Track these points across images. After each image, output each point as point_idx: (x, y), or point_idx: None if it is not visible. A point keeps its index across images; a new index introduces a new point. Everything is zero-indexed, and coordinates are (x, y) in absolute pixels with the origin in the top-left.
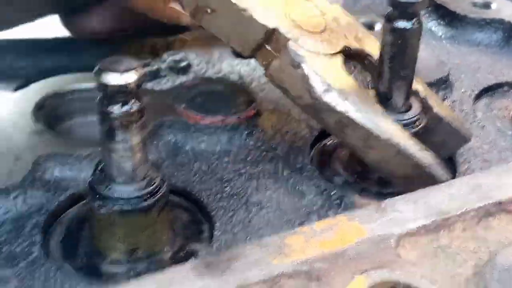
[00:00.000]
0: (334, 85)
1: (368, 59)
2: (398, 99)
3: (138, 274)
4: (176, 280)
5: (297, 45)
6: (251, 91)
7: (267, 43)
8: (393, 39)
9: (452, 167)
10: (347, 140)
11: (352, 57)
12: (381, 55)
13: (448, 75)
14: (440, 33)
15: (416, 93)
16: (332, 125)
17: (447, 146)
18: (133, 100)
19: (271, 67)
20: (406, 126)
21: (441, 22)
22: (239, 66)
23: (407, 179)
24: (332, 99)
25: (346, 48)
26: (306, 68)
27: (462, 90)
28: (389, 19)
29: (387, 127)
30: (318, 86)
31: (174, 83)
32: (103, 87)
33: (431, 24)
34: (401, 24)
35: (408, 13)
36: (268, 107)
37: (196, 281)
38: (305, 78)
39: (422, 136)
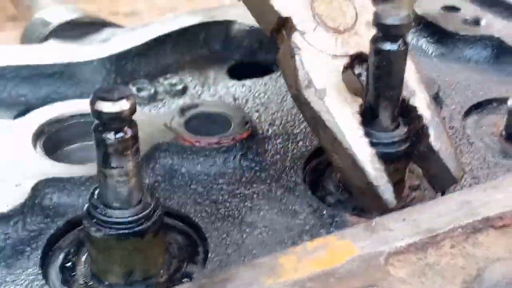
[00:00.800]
0: (317, 83)
1: None
2: (384, 118)
3: None
4: None
5: (300, 37)
6: (246, 112)
7: (283, 28)
8: (378, 61)
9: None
10: (319, 138)
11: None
12: (367, 75)
13: (437, 92)
14: (430, 51)
15: (418, 117)
16: (308, 119)
17: (436, 179)
18: (127, 127)
19: (280, 52)
20: (388, 144)
21: (431, 40)
22: (234, 88)
23: (361, 192)
24: (310, 95)
25: (362, 54)
26: (298, 60)
27: (452, 107)
28: (374, 40)
29: (352, 137)
30: (302, 80)
31: (170, 106)
32: (98, 114)
33: (421, 42)
34: (386, 46)
35: (393, 35)
36: (263, 127)
37: None
38: (294, 70)
39: (411, 159)
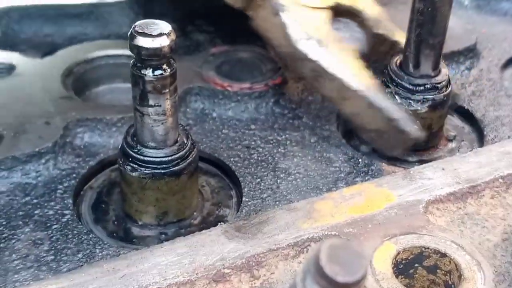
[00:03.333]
0: (312, 35)
1: (360, 16)
2: (425, 65)
3: (168, 238)
4: (208, 242)
5: None
6: (278, 58)
7: None
8: (422, 7)
9: (479, 136)
10: (323, 91)
11: (344, 14)
12: (410, 22)
13: (475, 43)
14: (466, 2)
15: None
16: (308, 74)
17: None
18: (166, 65)
19: (258, 17)
20: (431, 90)
21: None
22: None
23: (379, 133)
24: (306, 47)
25: (337, 5)
26: (284, 16)
27: (489, 59)
28: None
29: (360, 79)
30: (293, 34)
31: (202, 50)
32: (137, 50)
33: None
34: None
35: None
36: (295, 74)
37: (227, 243)
38: (283, 26)
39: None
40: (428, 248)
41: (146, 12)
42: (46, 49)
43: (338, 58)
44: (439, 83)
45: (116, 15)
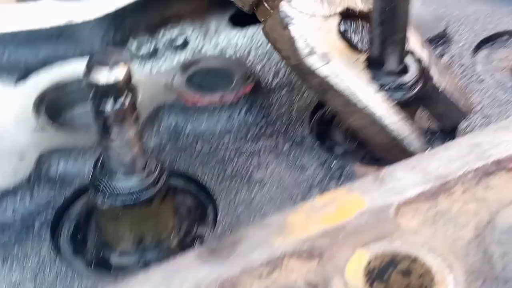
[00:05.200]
0: (319, 49)
1: (368, 20)
2: (391, 64)
3: (147, 263)
4: (182, 268)
5: (289, 6)
6: (248, 65)
7: (265, 1)
8: (382, 4)
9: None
10: (330, 103)
11: (353, 17)
12: (371, 20)
13: (445, 30)
14: None
15: (418, 60)
16: (315, 87)
17: (446, 117)
18: (125, 95)
19: (267, 25)
20: (399, 89)
21: None
22: (236, 38)
23: (385, 147)
24: (314, 62)
25: (348, 10)
26: (293, 30)
27: (461, 44)
28: None
29: (366, 95)
30: (301, 49)
31: (172, 62)
32: (93, 86)
33: None
34: None
35: None
36: (267, 79)
37: (202, 267)
38: (291, 40)
39: (420, 103)
40: (399, 253)
41: (116, 27)
42: (20, 74)
43: (345, 73)
44: (406, 83)
45: (87, 33)
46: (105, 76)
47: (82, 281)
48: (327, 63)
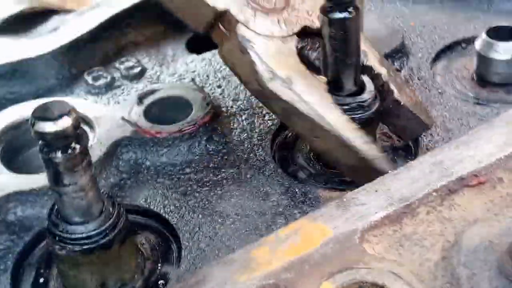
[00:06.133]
0: (280, 73)
1: None
2: (348, 85)
3: None
4: None
5: (246, 29)
6: (206, 92)
7: (220, 22)
8: (333, 31)
9: (415, 141)
10: (294, 127)
11: (311, 35)
12: (323, 47)
13: (402, 43)
14: None
15: (377, 76)
16: (279, 112)
17: (408, 130)
18: (73, 143)
19: (223, 49)
20: (357, 108)
21: None
22: (193, 63)
23: (353, 169)
24: (277, 87)
25: (304, 28)
26: (253, 54)
27: (419, 55)
28: (325, 11)
29: (332, 118)
30: (263, 74)
31: (129, 92)
32: (40, 136)
33: None
34: (339, 14)
35: (344, 2)
36: (226, 104)
37: None
38: (251, 65)
39: (382, 118)
40: (366, 282)
41: (70, 61)
42: None
43: (308, 96)
44: (364, 101)
45: (41, 68)
46: (51, 126)
47: None
48: (290, 87)
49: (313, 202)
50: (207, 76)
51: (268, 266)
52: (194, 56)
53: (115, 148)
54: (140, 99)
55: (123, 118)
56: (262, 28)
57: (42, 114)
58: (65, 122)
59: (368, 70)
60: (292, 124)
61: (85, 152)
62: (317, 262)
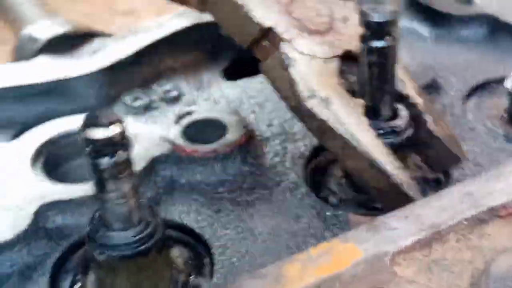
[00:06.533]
0: (319, 92)
1: None
2: (383, 111)
3: None
4: None
5: (290, 47)
6: (242, 116)
7: (264, 39)
8: (370, 59)
9: (445, 174)
10: (328, 146)
11: (352, 59)
12: (361, 74)
13: (434, 79)
14: (425, 34)
15: (413, 105)
16: (314, 130)
17: (440, 162)
18: (120, 150)
19: (266, 64)
20: (390, 133)
21: (425, 22)
22: (228, 89)
23: (382, 193)
24: (314, 106)
25: (346, 52)
26: (294, 72)
27: (452, 93)
28: (363, 39)
29: (365, 140)
30: (302, 92)
31: (166, 114)
32: (90, 142)
33: (415, 25)
34: (377, 43)
35: (382, 32)
36: (260, 129)
37: None
38: (291, 82)
39: (413, 148)
40: None
41: (110, 82)
42: (16, 130)
43: (345, 117)
44: (398, 126)
45: (81, 88)
46: (100, 133)
47: None
48: (327, 106)
49: (344, 226)
50: (241, 102)
51: (299, 283)
52: (229, 83)
53: (152, 165)
54: (178, 120)
55: (161, 137)
56: (305, 48)
57: (92, 121)
58: (114, 130)
59: (405, 99)
60: (326, 142)
61: (129, 161)
62: (348, 281)
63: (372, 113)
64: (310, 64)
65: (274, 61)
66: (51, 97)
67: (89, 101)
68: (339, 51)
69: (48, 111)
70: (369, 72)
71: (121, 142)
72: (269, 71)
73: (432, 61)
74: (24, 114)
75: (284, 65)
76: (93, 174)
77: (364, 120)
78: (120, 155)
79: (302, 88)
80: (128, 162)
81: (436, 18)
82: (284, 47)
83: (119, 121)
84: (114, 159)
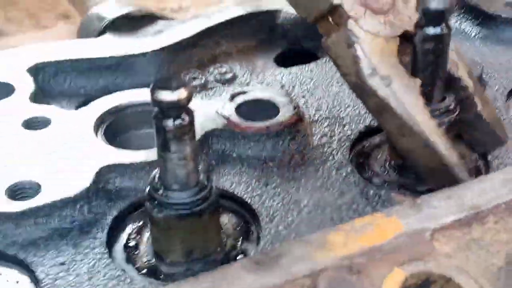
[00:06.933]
0: (380, 70)
1: None
2: (437, 96)
3: (194, 274)
4: (229, 276)
5: (356, 25)
6: (293, 98)
7: (330, 15)
8: (426, 46)
9: (485, 162)
10: (383, 123)
11: (410, 39)
12: (414, 58)
13: (481, 74)
14: (473, 34)
15: (463, 88)
16: (373, 107)
17: (483, 143)
18: (184, 114)
19: (330, 39)
20: (442, 114)
21: (474, 23)
22: (281, 75)
23: (432, 172)
24: (376, 83)
25: (405, 32)
26: (358, 49)
27: (495, 88)
28: (420, 26)
29: (421, 120)
30: (365, 69)
31: (221, 94)
32: (158, 103)
33: (464, 25)
34: (433, 30)
35: (438, 19)
36: (309, 113)
37: (247, 276)
38: (354, 59)
39: (460, 127)
40: (434, 274)
41: (170, 61)
42: (80, 100)
43: (404, 96)
44: (450, 105)
45: (143, 65)
46: (169, 95)
47: (134, 285)
48: (388, 85)
49: (386, 204)
50: (293, 87)
51: (342, 250)
52: (281, 69)
53: (206, 138)
54: (232, 98)
55: (216, 112)
56: (370, 26)
57: (162, 84)
58: (182, 94)
59: (456, 81)
60: (383, 120)
61: (192, 124)
62: (389, 252)
63: (424, 97)
64: (373, 43)
65: (339, 37)
66: (115, 71)
67: (150, 78)
68: (399, 31)
69: (111, 84)
70: (423, 58)
71: (187, 106)
72: (332, 47)
73: (479, 58)
74: (89, 87)
75: (349, 42)
76: (158, 135)
77: (421, 100)
78: (185, 118)
79: (365, 66)
80: (191, 126)
81: (484, 20)
82: (351, 25)
83: (187, 86)
84: (179, 121)
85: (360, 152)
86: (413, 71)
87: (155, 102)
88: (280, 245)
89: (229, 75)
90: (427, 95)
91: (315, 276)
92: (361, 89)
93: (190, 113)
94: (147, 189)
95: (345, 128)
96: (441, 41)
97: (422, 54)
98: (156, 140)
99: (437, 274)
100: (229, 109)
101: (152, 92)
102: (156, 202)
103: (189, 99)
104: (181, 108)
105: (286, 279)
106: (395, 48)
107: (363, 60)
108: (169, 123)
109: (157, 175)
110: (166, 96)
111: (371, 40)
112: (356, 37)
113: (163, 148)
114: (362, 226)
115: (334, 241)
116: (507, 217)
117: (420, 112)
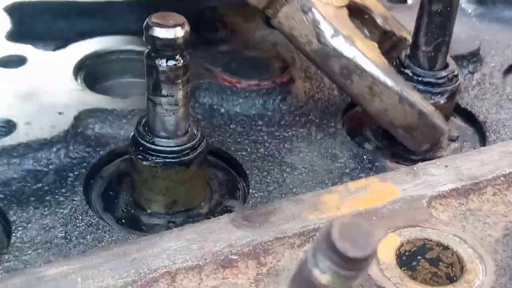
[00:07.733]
0: (341, 32)
1: (370, 14)
2: (441, 60)
3: (176, 226)
4: (216, 229)
5: None
6: (285, 57)
7: None
8: (441, 8)
9: (481, 137)
10: (352, 88)
11: (355, 12)
12: (419, 23)
13: (478, 49)
14: (469, 11)
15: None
16: (338, 71)
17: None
18: (179, 55)
19: (280, 14)
20: (450, 80)
21: (471, 0)
22: (272, 36)
23: (409, 129)
24: (340, 43)
25: (351, 3)
26: (316, 13)
27: (492, 65)
28: None
29: (391, 75)
30: (326, 30)
31: (211, 49)
32: (152, 40)
33: (461, 1)
34: None
35: None
36: (302, 74)
37: (235, 231)
38: (314, 23)
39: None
40: (431, 241)
41: (155, 10)
42: (58, 43)
43: (370, 54)
44: (452, 72)
45: (125, 12)
46: (164, 32)
47: (112, 234)
48: (354, 44)
49: (380, 170)
50: (285, 47)
51: (336, 211)
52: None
53: (194, 91)
54: (223, 54)
55: (205, 65)
56: None
57: (158, 20)
58: (178, 32)
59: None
60: (351, 84)
61: (187, 67)
62: (385, 216)
63: (427, 63)
64: (326, 9)
65: (292, 7)
66: (94, 16)
67: (131, 26)
68: (344, 2)
69: (91, 30)
70: (429, 20)
71: (183, 46)
72: (285, 22)
73: (475, 35)
74: (69, 30)
75: (305, 9)
76: (149, 75)
77: (384, 60)
78: (180, 59)
79: (326, 28)
80: (186, 69)
81: None
82: None
83: (185, 24)
84: (173, 62)
85: (352, 117)
86: (417, 36)
87: (149, 39)
88: (270, 203)
89: (221, 34)
90: (430, 61)
91: (306, 236)
92: (324, 54)
93: (186, 55)
94: (132, 135)
95: (337, 93)
96: (449, 4)
97: (428, 16)
98: (146, 82)
99: (434, 241)
100: (219, 64)
101: (146, 28)
102: (141, 148)
103: (186, 38)
104: (176, 48)
105: (275, 237)
106: (346, 16)
107: (323, 22)
108: (162, 63)
109: (143, 121)
110: (161, 33)
111: (324, 7)
112: (311, 2)
113: (154, 90)
114: (357, 189)
115: (327, 202)
116: (506, 190)
117: (387, 68)
